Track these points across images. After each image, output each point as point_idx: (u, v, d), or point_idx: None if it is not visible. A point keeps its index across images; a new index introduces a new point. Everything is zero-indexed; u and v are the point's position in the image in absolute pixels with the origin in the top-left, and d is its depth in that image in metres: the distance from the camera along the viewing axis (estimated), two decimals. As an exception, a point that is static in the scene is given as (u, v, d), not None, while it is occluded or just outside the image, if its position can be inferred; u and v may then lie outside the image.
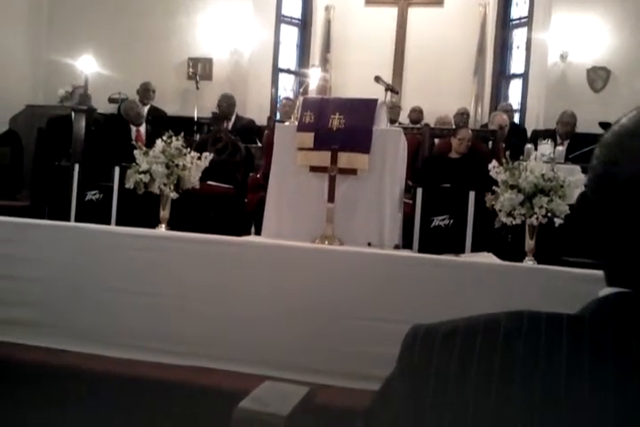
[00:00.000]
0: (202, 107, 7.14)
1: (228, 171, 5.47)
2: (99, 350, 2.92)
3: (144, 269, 2.99)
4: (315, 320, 2.86)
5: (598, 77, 7.61)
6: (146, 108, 6.89)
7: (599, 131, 6.58)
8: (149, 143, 5.83)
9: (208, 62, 7.80)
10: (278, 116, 7.32)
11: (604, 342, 0.60)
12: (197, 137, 6.46)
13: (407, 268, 2.94)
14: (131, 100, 6.50)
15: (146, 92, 7.14)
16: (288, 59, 8.88)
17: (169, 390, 2.65)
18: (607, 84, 7.54)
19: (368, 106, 4.39)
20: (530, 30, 8.50)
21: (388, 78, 7.15)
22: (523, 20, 8.81)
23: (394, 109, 7.29)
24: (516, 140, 6.74)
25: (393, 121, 7.29)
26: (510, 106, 7.80)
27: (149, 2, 7.78)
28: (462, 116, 7.72)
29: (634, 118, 0.67)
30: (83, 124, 4.87)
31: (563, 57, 7.70)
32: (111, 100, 7.23)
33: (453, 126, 7.45)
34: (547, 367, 0.60)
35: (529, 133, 7.33)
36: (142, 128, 6.21)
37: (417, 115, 7.95)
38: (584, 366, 0.59)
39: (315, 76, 4.70)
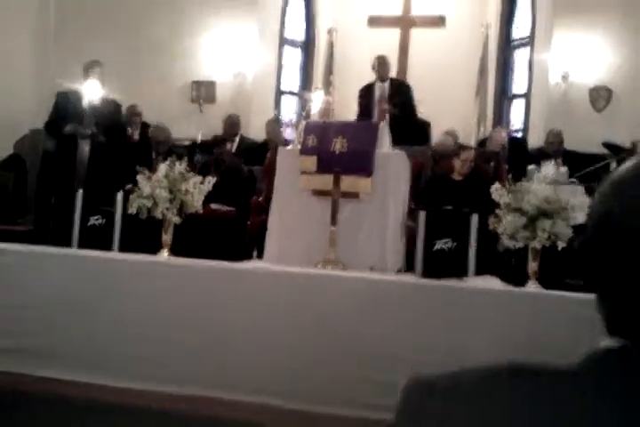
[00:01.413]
0: (205, 130, 7.17)
1: (231, 193, 5.47)
2: (98, 380, 2.90)
3: (145, 296, 2.98)
4: (316, 348, 2.84)
5: (600, 97, 7.62)
6: (136, 132, 6.91)
7: (602, 150, 6.59)
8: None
9: (211, 85, 7.86)
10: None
11: (608, 399, 0.59)
12: (199, 158, 6.44)
13: (411, 294, 2.93)
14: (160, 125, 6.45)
15: (132, 116, 7.03)
16: (291, 81, 8.93)
17: (166, 420, 2.62)
18: (609, 103, 7.56)
19: (370, 129, 4.42)
20: (532, 51, 8.55)
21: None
22: (524, 41, 8.86)
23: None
24: (516, 154, 6.74)
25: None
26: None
27: (151, 26, 7.86)
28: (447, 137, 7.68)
29: (632, 169, 0.66)
30: (87, 149, 4.89)
31: (564, 77, 7.73)
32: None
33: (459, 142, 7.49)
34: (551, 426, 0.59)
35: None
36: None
37: None
38: (589, 424, 0.58)
39: (317, 100, 4.72)
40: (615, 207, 0.63)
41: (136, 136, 6.92)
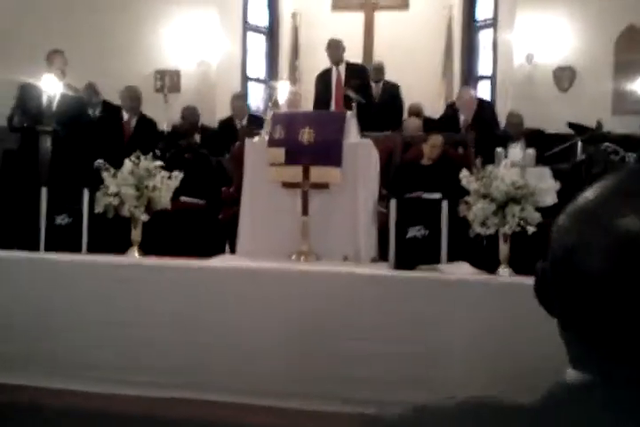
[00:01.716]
0: (171, 120, 7.06)
1: (200, 185, 5.41)
2: (71, 385, 2.86)
3: (114, 298, 2.94)
4: (298, 344, 2.83)
5: (564, 77, 7.69)
6: (97, 112, 6.80)
7: (568, 131, 6.65)
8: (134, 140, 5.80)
9: (175, 74, 7.73)
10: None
11: None
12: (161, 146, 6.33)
13: (385, 287, 2.94)
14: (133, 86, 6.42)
15: (89, 96, 6.85)
16: (257, 67, 8.83)
17: (148, 424, 2.60)
18: (573, 83, 7.63)
19: (337, 119, 4.39)
20: (495, 32, 8.58)
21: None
22: (488, 22, 8.88)
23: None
24: (486, 118, 6.79)
25: (378, 81, 7.55)
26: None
27: (112, 16, 7.68)
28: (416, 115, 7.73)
29: (591, 200, 0.64)
30: (48, 145, 4.77)
31: (529, 58, 7.77)
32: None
33: (424, 114, 7.55)
34: None
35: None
36: (134, 121, 6.29)
37: (378, 72, 7.82)
38: None
39: (283, 90, 4.66)
40: (576, 244, 0.61)
41: (97, 113, 6.79)
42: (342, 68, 6.96)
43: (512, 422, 0.61)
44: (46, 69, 5.73)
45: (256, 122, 6.58)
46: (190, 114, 6.85)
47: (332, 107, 6.70)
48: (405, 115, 7.61)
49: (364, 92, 6.45)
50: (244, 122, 6.94)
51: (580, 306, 0.61)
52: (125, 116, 6.44)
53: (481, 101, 7.30)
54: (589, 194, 0.64)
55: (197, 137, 6.56)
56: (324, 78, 7.03)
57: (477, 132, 6.32)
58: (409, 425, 0.64)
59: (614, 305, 0.58)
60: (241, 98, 7.30)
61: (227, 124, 7.04)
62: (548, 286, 0.65)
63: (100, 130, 6.30)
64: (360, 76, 6.90)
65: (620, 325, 0.58)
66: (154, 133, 6.46)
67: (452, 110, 7.18)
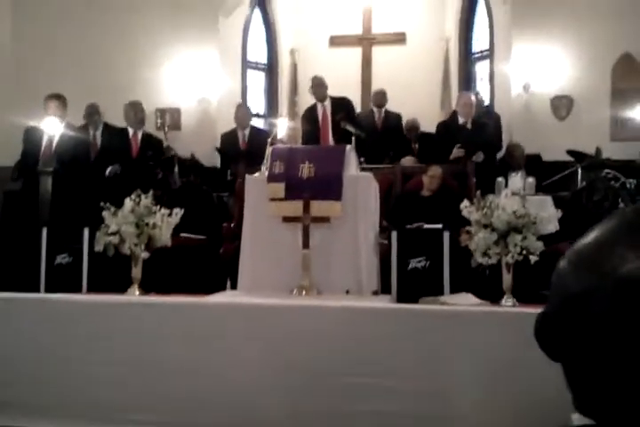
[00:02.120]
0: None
1: (201, 222, 5.41)
2: (72, 426, 2.81)
3: (111, 338, 2.91)
4: (299, 380, 2.79)
5: (562, 106, 7.74)
6: (98, 133, 6.88)
7: (567, 158, 6.67)
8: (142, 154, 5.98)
9: (176, 112, 7.81)
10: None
11: None
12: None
13: (388, 320, 2.90)
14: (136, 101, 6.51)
15: (91, 116, 6.99)
16: (257, 104, 8.93)
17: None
18: (571, 111, 7.68)
19: (337, 152, 4.41)
20: (492, 63, 8.67)
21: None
22: (484, 53, 8.99)
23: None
24: (487, 124, 6.80)
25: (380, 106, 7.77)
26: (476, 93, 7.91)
27: (113, 54, 7.81)
28: (411, 131, 7.78)
29: (591, 246, 0.62)
30: (49, 185, 4.80)
31: (525, 87, 7.84)
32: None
33: (421, 130, 7.69)
34: None
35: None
36: (139, 134, 6.39)
37: (381, 97, 7.97)
38: None
39: (283, 126, 4.70)
40: (579, 291, 0.60)
41: (98, 137, 6.88)
42: (327, 103, 7.04)
43: None
44: (45, 114, 5.79)
45: (258, 135, 6.68)
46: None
47: (321, 143, 6.74)
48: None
49: (357, 124, 6.54)
50: (247, 132, 7.02)
51: (582, 352, 0.60)
52: (130, 131, 6.51)
53: (485, 111, 7.37)
54: (589, 239, 0.63)
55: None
56: (310, 115, 7.10)
57: (476, 135, 6.41)
58: None
59: (618, 350, 0.57)
60: (244, 107, 7.44)
61: (230, 135, 7.13)
62: (549, 333, 0.64)
63: (106, 156, 6.37)
64: (345, 108, 6.97)
65: (625, 369, 0.57)
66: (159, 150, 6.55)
67: (450, 117, 7.22)
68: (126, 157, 6.31)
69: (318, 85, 7.09)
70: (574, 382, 0.63)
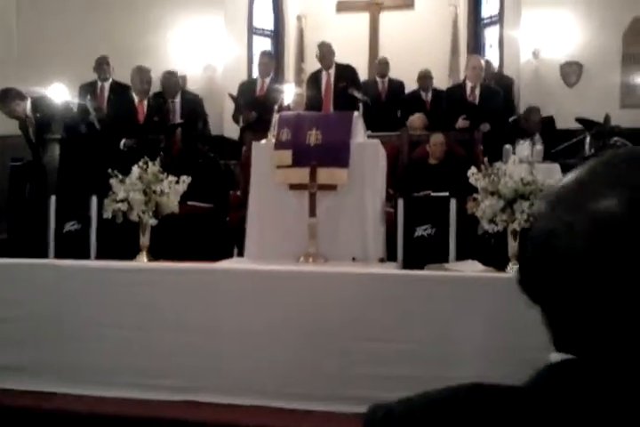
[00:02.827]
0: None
1: (208, 190, 5.43)
2: (87, 391, 2.88)
3: (124, 303, 2.95)
4: (307, 345, 2.83)
5: (572, 72, 7.64)
6: (107, 84, 6.89)
7: (576, 126, 6.61)
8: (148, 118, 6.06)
9: (182, 79, 7.76)
10: (256, 74, 7.31)
11: (561, 415, 0.59)
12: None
13: (395, 285, 2.93)
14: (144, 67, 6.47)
15: (100, 66, 6.98)
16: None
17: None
18: (581, 78, 7.58)
19: (344, 119, 4.38)
20: (501, 28, 8.54)
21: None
22: (494, 19, 8.84)
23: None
24: (498, 92, 6.72)
25: (382, 75, 7.69)
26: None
27: (119, 21, 7.73)
28: (425, 80, 7.67)
29: (570, 185, 0.64)
30: (57, 153, 4.81)
31: (535, 54, 7.73)
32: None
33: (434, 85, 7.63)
34: None
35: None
36: (145, 102, 6.34)
37: (384, 67, 7.90)
38: None
39: (289, 93, 4.67)
40: (556, 227, 0.62)
41: (106, 89, 6.95)
42: (332, 70, 6.96)
43: (505, 402, 0.63)
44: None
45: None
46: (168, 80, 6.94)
47: (323, 109, 6.69)
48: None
49: (364, 91, 6.48)
50: (267, 81, 6.91)
51: (561, 289, 0.62)
52: (136, 98, 6.41)
53: (495, 75, 7.27)
54: (566, 180, 0.65)
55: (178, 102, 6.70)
56: (314, 81, 7.03)
57: (484, 105, 6.35)
58: (409, 410, 0.66)
59: (596, 285, 0.59)
60: (267, 55, 7.31)
61: (248, 84, 7.07)
62: (529, 274, 0.65)
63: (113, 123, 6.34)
64: (350, 76, 6.90)
65: (601, 304, 0.59)
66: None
67: (457, 86, 7.13)
68: (132, 123, 6.28)
69: (327, 53, 7.00)
70: (554, 321, 0.64)
